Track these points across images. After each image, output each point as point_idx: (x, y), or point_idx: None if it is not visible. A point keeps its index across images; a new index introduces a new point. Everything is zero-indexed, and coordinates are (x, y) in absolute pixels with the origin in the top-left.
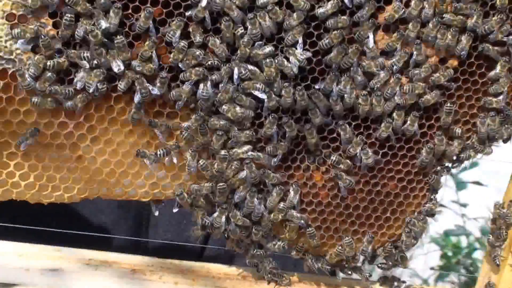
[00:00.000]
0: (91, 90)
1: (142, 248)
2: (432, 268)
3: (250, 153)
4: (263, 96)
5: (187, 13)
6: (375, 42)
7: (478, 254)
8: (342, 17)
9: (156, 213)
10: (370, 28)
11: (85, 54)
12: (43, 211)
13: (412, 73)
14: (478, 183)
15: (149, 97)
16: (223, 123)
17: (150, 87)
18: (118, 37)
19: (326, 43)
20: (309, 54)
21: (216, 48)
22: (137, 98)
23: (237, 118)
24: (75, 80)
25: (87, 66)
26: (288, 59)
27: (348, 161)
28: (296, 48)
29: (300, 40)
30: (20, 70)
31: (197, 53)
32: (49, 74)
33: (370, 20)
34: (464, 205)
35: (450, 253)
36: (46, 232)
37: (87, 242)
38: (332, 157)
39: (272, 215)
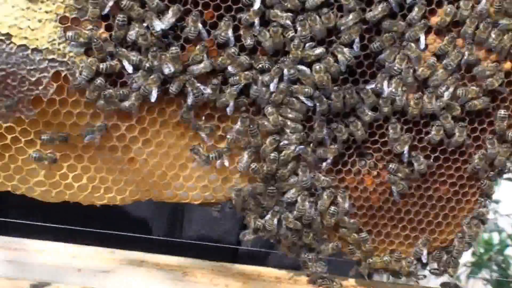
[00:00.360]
0: (152, 100)
1: (178, 243)
2: (464, 265)
3: (298, 147)
4: (309, 103)
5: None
6: (426, 45)
7: (510, 251)
8: (399, 22)
9: (214, 214)
10: (421, 30)
11: (133, 57)
12: (86, 212)
13: (476, 70)
14: (511, 179)
15: (201, 97)
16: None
17: (202, 87)
18: (173, 48)
19: (377, 46)
20: (357, 52)
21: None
22: (190, 99)
23: (278, 124)
24: (134, 85)
25: (130, 69)
26: (336, 57)
27: (406, 169)
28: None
29: (357, 40)
30: (71, 70)
31: (245, 62)
32: (98, 81)
33: (422, 21)
34: (496, 202)
35: (482, 250)
36: (92, 233)
37: (126, 240)
38: (390, 165)
39: (325, 220)
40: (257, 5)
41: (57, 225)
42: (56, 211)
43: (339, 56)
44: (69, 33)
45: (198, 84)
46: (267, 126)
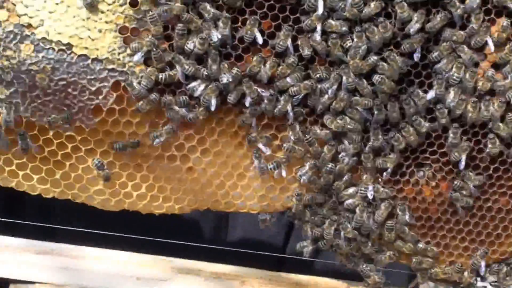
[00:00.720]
0: (212, 108)
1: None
2: None
3: (351, 159)
4: (367, 115)
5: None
6: (484, 54)
7: None
8: (459, 31)
9: (262, 227)
10: (486, 33)
11: (187, 66)
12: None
13: None
14: None
15: (258, 99)
16: (326, 133)
17: (260, 90)
18: (235, 69)
19: (435, 56)
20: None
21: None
22: (247, 101)
23: (340, 128)
24: (196, 94)
25: (182, 77)
26: (388, 64)
27: (471, 186)
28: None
29: (418, 49)
30: (128, 80)
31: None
32: (153, 96)
33: (484, 24)
34: None
35: None
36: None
37: (172, 246)
38: (455, 182)
39: (385, 236)
40: (320, 9)
41: (104, 232)
42: (104, 218)
43: (392, 64)
44: (134, 44)
45: (256, 87)
46: (321, 134)
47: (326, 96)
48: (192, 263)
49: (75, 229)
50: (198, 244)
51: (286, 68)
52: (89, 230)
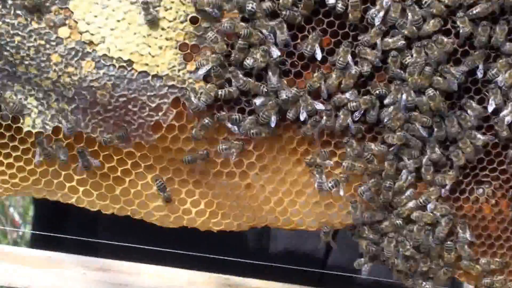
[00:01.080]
0: (272, 125)
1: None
2: None
3: (410, 176)
4: (424, 133)
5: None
6: None
7: None
8: None
9: (324, 240)
10: None
11: (241, 81)
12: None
13: None
14: None
15: (314, 111)
16: (381, 149)
17: (315, 103)
18: (294, 88)
19: (493, 73)
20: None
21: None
22: (303, 115)
23: (403, 140)
24: (256, 110)
25: (236, 92)
26: (444, 78)
27: None
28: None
29: (481, 66)
30: (186, 94)
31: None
32: (206, 121)
33: None
34: None
35: None
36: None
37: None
38: None
39: (445, 257)
40: (377, 21)
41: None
42: (145, 233)
43: (448, 76)
44: (200, 60)
45: (312, 100)
46: (376, 150)
47: (391, 108)
48: (249, 281)
49: (133, 245)
50: (245, 260)
51: (348, 78)
52: (139, 246)
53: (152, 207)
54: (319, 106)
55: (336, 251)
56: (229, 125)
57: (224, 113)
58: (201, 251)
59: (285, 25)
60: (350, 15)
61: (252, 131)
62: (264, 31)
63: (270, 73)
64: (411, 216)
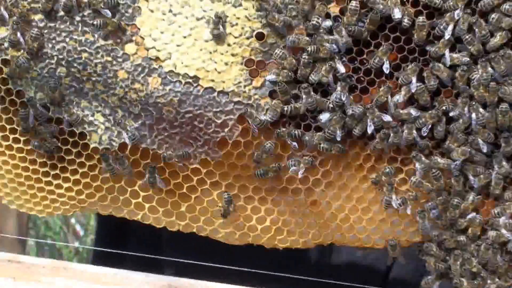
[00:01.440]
0: (338, 139)
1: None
2: None
3: (476, 198)
4: (484, 148)
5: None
6: None
7: None
8: None
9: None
10: None
11: (310, 100)
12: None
13: None
14: None
15: (381, 124)
16: (447, 162)
17: (383, 116)
18: (360, 105)
19: None
20: None
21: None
22: (370, 128)
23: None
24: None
25: (303, 108)
26: None
27: None
28: None
29: None
30: (247, 112)
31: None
32: (267, 145)
33: None
34: None
35: None
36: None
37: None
38: None
39: None
40: (447, 34)
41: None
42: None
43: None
44: (270, 75)
45: (379, 113)
46: (443, 163)
47: (461, 120)
48: None
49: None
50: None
51: (420, 96)
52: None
53: (218, 224)
54: (387, 118)
55: (396, 268)
56: (289, 141)
57: (284, 129)
58: (266, 268)
59: (343, 29)
60: (415, 35)
61: (322, 146)
62: (327, 44)
63: (338, 89)
64: (487, 236)
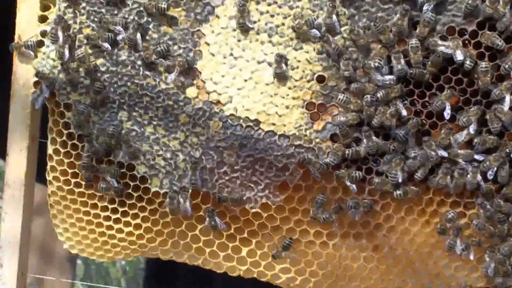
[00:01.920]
0: (400, 180)
1: None
2: None
3: None
4: None
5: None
6: None
7: None
8: None
9: None
10: None
11: (371, 143)
12: None
13: None
14: None
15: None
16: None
17: (439, 151)
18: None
19: None
20: None
21: None
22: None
23: None
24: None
25: (364, 151)
26: None
27: None
28: None
29: None
30: (306, 159)
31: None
32: (320, 198)
33: None
34: None
35: None
36: None
37: None
38: None
39: None
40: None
41: None
42: None
43: None
44: (340, 118)
45: (435, 147)
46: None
47: None
48: None
49: None
50: None
51: (485, 142)
52: None
53: (279, 269)
54: (442, 153)
55: None
56: (348, 183)
57: (343, 170)
58: None
59: (401, 55)
60: (480, 81)
61: (397, 192)
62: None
63: (405, 134)
64: None
